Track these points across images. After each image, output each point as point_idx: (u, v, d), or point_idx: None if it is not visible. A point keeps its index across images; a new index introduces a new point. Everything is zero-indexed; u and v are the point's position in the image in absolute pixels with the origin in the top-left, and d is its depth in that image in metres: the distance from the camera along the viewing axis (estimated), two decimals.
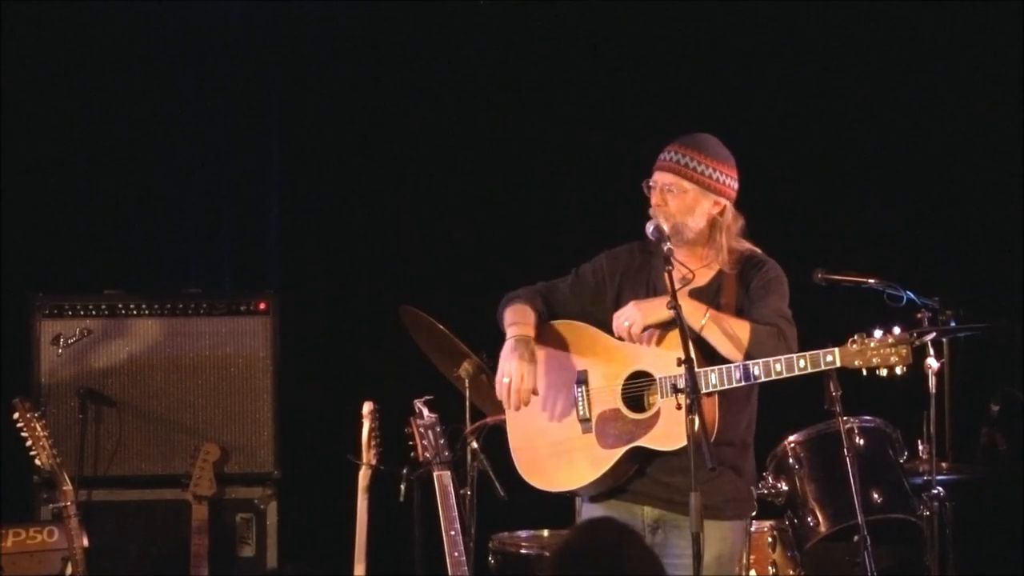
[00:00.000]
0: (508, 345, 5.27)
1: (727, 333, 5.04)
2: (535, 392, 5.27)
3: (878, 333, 4.92)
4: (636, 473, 5.21)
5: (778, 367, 4.97)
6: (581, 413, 5.26)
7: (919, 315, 6.21)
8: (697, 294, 5.20)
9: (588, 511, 5.34)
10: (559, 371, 5.32)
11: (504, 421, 5.50)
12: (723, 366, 5.01)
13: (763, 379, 5.00)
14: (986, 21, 7.56)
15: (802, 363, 4.96)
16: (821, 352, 4.97)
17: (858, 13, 7.68)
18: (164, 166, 7.71)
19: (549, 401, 5.32)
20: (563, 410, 5.30)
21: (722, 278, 5.23)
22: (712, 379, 4.98)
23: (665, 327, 5.12)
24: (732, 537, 5.23)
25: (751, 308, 5.16)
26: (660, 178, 5.23)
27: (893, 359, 4.91)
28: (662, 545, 5.18)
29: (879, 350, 4.92)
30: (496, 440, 5.75)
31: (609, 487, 5.24)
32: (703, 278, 5.24)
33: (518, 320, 5.32)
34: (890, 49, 7.70)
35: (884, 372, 4.93)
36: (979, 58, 7.59)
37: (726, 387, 5.00)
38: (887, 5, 7.65)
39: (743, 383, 5.00)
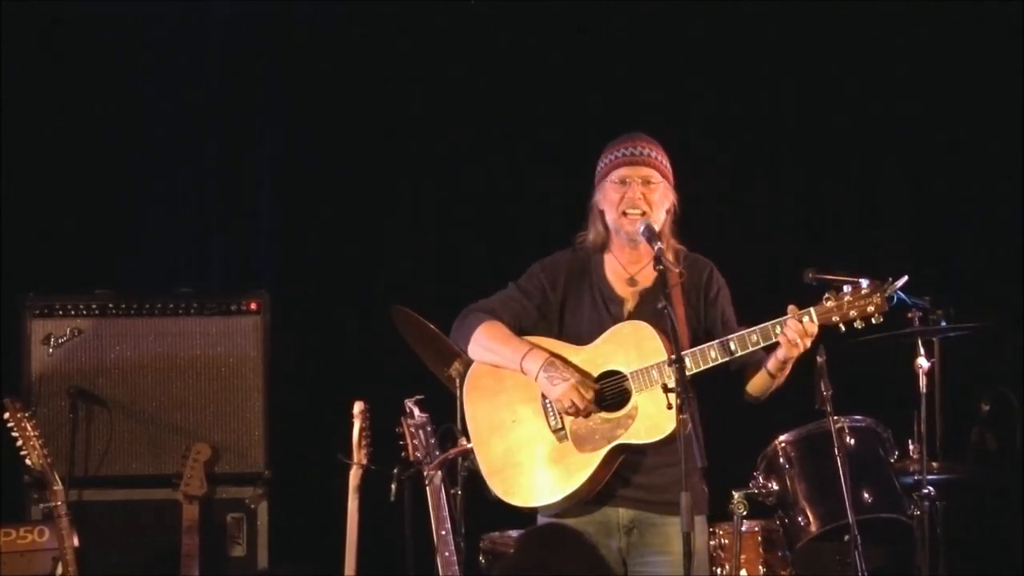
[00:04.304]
0: (541, 376, 5.15)
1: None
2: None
3: (847, 288, 4.96)
4: (611, 476, 5.18)
5: (754, 338, 5.01)
6: (553, 423, 5.21)
7: (909, 315, 6.22)
8: (648, 293, 5.19)
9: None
10: (522, 387, 5.25)
11: (468, 451, 5.50)
12: (695, 348, 5.02)
13: (739, 352, 5.02)
14: (986, 21, 7.56)
15: (779, 329, 4.99)
16: (799, 312, 4.98)
17: (859, 12, 7.68)
18: (155, 166, 7.71)
19: (517, 418, 5.27)
20: (533, 424, 5.25)
21: (663, 274, 5.08)
22: (687, 363, 4.96)
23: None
24: (700, 532, 5.18)
25: (730, 324, 5.19)
26: (634, 172, 5.22)
27: (870, 308, 4.95)
28: (637, 544, 5.18)
29: (855, 302, 4.96)
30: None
31: (593, 491, 5.17)
32: (649, 278, 5.23)
33: (510, 342, 5.23)
34: (889, 48, 7.70)
35: (861, 324, 4.95)
36: (979, 58, 7.59)
37: (702, 368, 5.02)
38: (888, 5, 7.65)
39: (719, 360, 5.02)
